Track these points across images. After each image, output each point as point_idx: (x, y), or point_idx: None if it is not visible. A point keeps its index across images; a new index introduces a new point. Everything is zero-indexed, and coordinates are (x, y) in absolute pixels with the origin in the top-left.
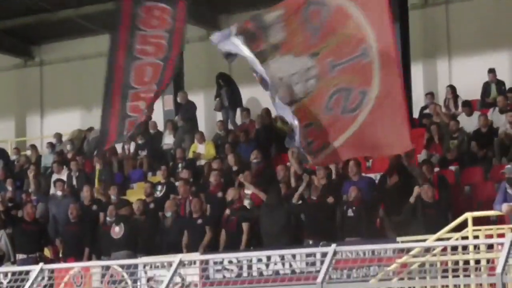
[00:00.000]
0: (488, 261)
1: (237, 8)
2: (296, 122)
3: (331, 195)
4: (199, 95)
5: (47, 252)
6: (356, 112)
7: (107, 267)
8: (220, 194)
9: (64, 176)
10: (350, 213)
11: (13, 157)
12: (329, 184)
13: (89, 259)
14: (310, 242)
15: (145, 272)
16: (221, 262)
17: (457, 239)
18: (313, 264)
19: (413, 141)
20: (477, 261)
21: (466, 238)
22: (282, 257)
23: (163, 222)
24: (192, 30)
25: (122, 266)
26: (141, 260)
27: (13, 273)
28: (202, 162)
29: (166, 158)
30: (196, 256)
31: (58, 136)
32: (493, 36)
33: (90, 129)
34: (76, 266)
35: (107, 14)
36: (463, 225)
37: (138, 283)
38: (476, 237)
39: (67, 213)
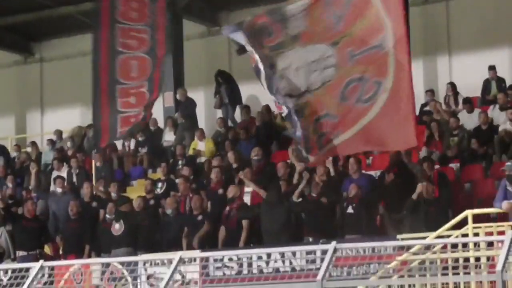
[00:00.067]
0: (488, 258)
1: (237, 5)
2: (295, 117)
3: (331, 192)
4: (199, 92)
5: (47, 249)
6: (369, 103)
7: (107, 264)
8: (220, 191)
9: (64, 173)
10: (350, 210)
11: (13, 154)
12: (329, 181)
13: (89, 256)
14: (310, 239)
15: (145, 269)
16: (221, 260)
17: (457, 236)
18: (313, 261)
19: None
20: (477, 259)
21: (466, 235)
22: (282, 255)
23: (164, 219)
24: (192, 27)
25: (122, 263)
26: (141, 257)
27: (13, 270)
28: (202, 159)
29: (166, 155)
30: (196, 253)
31: (59, 133)
32: (493, 33)
33: (90, 126)
34: (76, 263)
35: None
36: (463, 223)
37: (138, 280)
38: (476, 234)
39: (67, 210)
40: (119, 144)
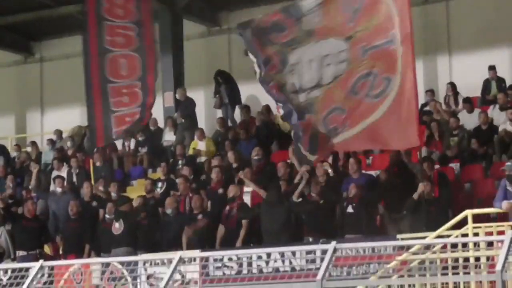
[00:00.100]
0: (488, 258)
1: (237, 5)
2: (296, 118)
3: (331, 192)
4: (200, 92)
5: (47, 249)
6: (379, 99)
7: (107, 264)
8: (221, 191)
9: (64, 173)
10: (350, 210)
11: (13, 153)
12: (328, 181)
13: (89, 255)
14: (310, 239)
15: (145, 269)
16: (221, 260)
17: (457, 236)
18: (313, 261)
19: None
20: (477, 259)
21: (466, 235)
22: (282, 254)
23: (164, 219)
24: (192, 27)
25: (122, 263)
26: (141, 257)
27: (13, 270)
28: (202, 159)
29: (166, 155)
30: (196, 253)
31: (58, 132)
32: (493, 33)
33: None
34: (76, 263)
35: None
36: (463, 222)
37: (138, 280)
38: (476, 234)
39: (67, 209)
40: (119, 144)
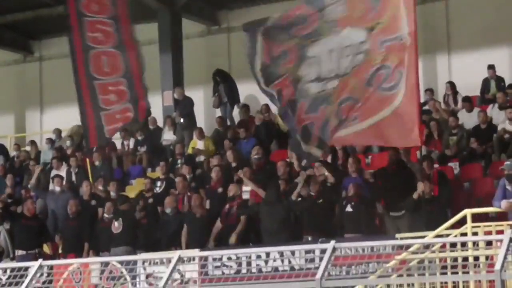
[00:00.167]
0: (487, 257)
1: (237, 4)
2: (291, 114)
3: (330, 191)
4: (199, 91)
5: (46, 248)
6: (392, 92)
7: (106, 263)
8: (220, 190)
9: (63, 172)
10: (349, 209)
11: (13, 153)
12: (327, 181)
13: (88, 254)
14: (309, 238)
15: (144, 268)
16: (220, 259)
17: (456, 235)
18: (312, 260)
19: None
20: (476, 258)
21: (465, 234)
22: (281, 254)
23: (163, 218)
24: (191, 26)
25: (121, 262)
26: (140, 256)
27: (12, 269)
28: (201, 158)
29: (165, 154)
30: (195, 252)
31: (58, 131)
32: (492, 33)
33: None
34: (75, 262)
35: None
36: (462, 222)
37: (137, 279)
38: (475, 233)
39: (66, 208)
40: (118, 143)
